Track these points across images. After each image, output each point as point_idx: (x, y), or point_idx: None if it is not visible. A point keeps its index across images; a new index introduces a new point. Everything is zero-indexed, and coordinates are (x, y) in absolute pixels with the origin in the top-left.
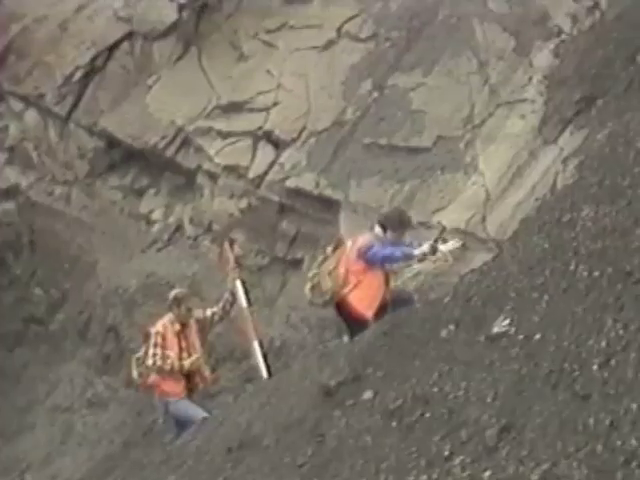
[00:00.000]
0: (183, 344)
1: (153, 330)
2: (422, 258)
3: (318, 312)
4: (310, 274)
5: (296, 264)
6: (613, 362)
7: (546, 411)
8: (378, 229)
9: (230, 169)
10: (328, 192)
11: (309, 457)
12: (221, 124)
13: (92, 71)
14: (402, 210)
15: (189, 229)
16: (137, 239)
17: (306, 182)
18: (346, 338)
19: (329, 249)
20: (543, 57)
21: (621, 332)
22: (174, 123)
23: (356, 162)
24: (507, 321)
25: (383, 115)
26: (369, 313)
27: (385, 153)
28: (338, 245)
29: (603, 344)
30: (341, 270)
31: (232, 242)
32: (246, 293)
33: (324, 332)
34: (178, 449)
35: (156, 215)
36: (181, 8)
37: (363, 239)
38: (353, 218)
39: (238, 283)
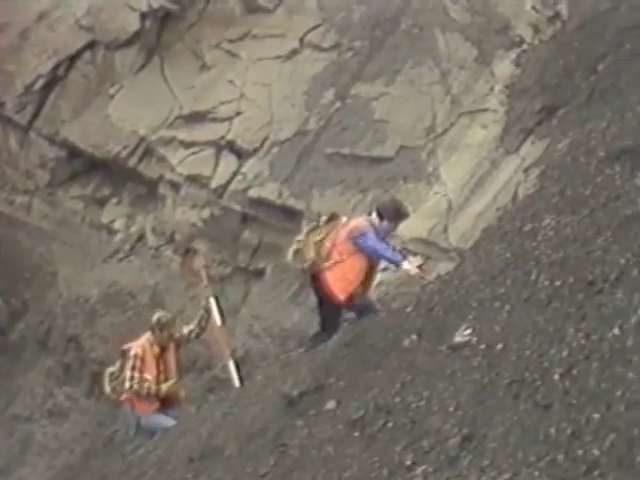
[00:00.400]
0: (161, 367)
1: (132, 352)
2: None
3: (280, 322)
4: (297, 238)
5: (259, 274)
6: (575, 372)
7: (508, 421)
8: (375, 216)
9: (192, 179)
10: (291, 202)
11: (271, 467)
12: (183, 134)
13: (53, 80)
14: (400, 202)
15: (151, 239)
16: (99, 249)
17: (269, 192)
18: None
19: (323, 219)
20: (505, 67)
21: (583, 342)
22: (136, 133)
23: (319, 172)
24: (469, 331)
25: (346, 125)
26: (342, 296)
27: (348, 163)
28: (332, 218)
29: (565, 354)
30: (327, 244)
31: (195, 252)
32: (220, 311)
33: (287, 342)
34: (139, 459)
35: (118, 225)
36: (143, 17)
37: (357, 222)
38: None
39: (212, 300)
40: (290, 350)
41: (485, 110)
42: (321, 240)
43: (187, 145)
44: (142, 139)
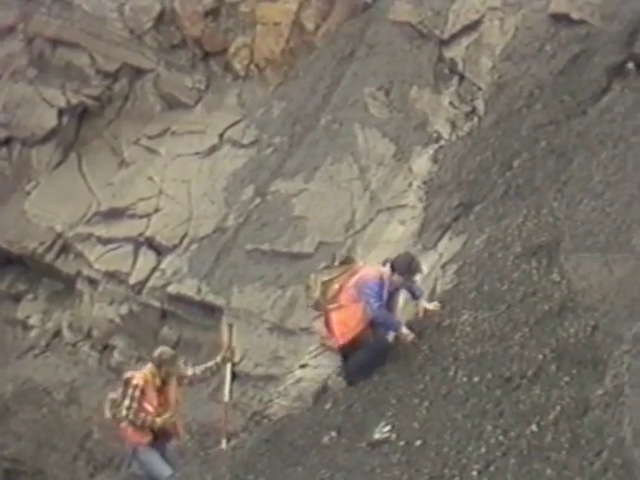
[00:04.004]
0: (162, 400)
1: (133, 382)
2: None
3: (199, 419)
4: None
5: None
6: (493, 468)
7: None
8: (388, 268)
9: (110, 275)
10: (210, 298)
11: None
12: (101, 230)
13: None
14: (413, 257)
15: (68, 335)
16: (13, 345)
17: (188, 288)
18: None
19: (338, 260)
20: (422, 163)
21: (501, 438)
22: (53, 229)
23: (238, 268)
24: (388, 427)
25: (265, 221)
26: (341, 340)
27: (267, 259)
28: (346, 262)
29: (483, 450)
30: (336, 286)
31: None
32: (233, 378)
33: (206, 439)
34: None
35: (33, 321)
36: (61, 114)
37: (367, 272)
38: (235, 324)
39: (229, 366)
40: (209, 447)
41: (403, 206)
42: (329, 281)
43: (105, 241)
44: (59, 235)
